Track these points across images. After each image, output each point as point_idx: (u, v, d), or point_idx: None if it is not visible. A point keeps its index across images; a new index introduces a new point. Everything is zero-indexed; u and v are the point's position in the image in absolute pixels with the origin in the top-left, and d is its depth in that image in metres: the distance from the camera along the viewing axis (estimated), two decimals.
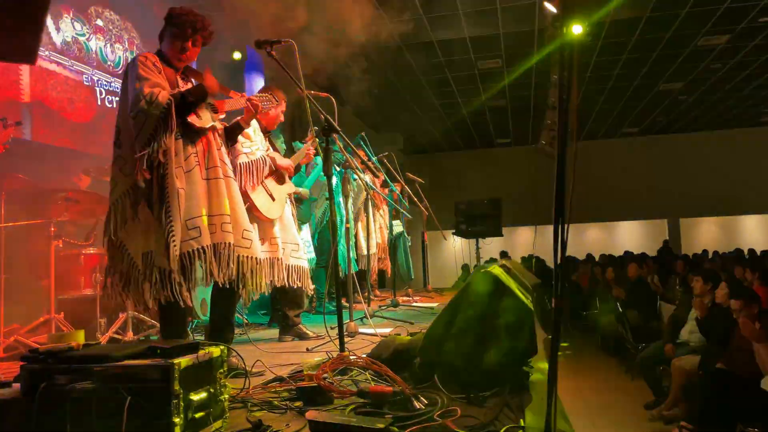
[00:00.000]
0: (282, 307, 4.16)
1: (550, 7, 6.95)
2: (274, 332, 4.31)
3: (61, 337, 3.62)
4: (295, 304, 4.14)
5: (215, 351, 2.04)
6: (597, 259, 15.07)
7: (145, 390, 1.77)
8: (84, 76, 5.70)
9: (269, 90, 3.71)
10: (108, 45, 6.05)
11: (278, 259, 3.62)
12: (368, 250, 6.08)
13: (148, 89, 2.57)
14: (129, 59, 6.14)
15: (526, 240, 17.75)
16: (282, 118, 3.92)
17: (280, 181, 3.82)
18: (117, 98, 5.99)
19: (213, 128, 2.85)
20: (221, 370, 2.05)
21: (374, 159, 5.96)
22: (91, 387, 1.78)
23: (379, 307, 5.54)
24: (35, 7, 2.37)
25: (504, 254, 13.79)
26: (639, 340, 7.52)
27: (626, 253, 14.62)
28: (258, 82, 7.71)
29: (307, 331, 4.08)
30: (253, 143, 3.68)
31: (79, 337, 3.57)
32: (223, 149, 2.91)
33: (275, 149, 3.98)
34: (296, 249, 3.79)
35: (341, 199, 5.16)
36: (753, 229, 17.75)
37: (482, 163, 17.36)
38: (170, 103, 2.57)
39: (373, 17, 7.63)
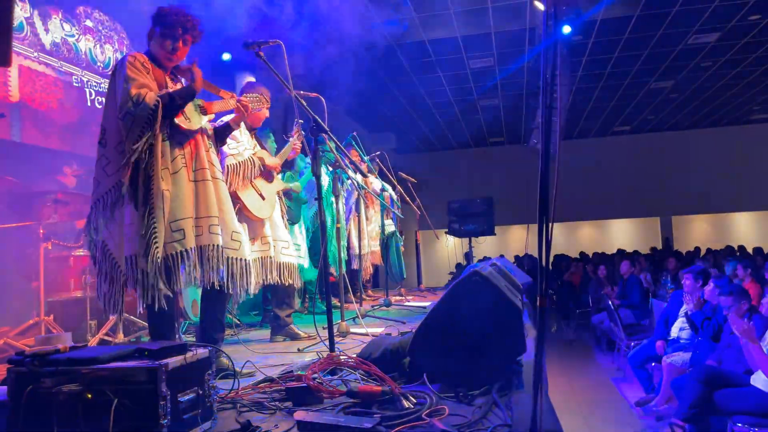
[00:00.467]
0: (273, 308, 4.16)
1: (541, 6, 6.96)
2: (266, 333, 4.30)
3: (48, 340, 3.60)
4: (287, 304, 4.13)
5: (203, 352, 2.04)
6: (590, 257, 15.12)
7: (133, 392, 1.77)
8: (73, 77, 5.67)
9: (256, 89, 3.70)
10: (98, 46, 6.02)
11: (270, 258, 3.64)
12: (360, 250, 6.08)
13: (135, 90, 2.56)
14: (120, 58, 6.11)
15: (519, 239, 17.78)
16: (267, 114, 3.91)
17: (269, 179, 3.82)
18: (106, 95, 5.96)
19: (201, 130, 2.84)
20: (209, 371, 2.04)
21: (366, 159, 5.96)
22: (77, 389, 1.78)
23: (372, 306, 5.53)
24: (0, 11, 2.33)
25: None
26: (631, 337, 7.56)
27: (618, 251, 14.68)
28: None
29: (299, 332, 4.08)
30: (240, 143, 3.67)
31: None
32: (212, 150, 2.90)
33: (263, 147, 3.97)
34: (287, 246, 3.80)
35: (333, 199, 5.16)
36: (744, 227, 17.86)
37: (475, 161, 17.38)
38: (157, 104, 2.56)
39: (365, 17, 7.64)
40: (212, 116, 2.98)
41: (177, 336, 3.24)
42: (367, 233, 6.27)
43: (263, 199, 3.69)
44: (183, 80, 2.96)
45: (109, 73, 5.44)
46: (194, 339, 4.02)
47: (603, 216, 18.00)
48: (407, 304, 5.89)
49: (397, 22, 8.19)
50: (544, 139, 1.47)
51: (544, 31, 1.65)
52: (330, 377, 2.52)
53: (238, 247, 2.82)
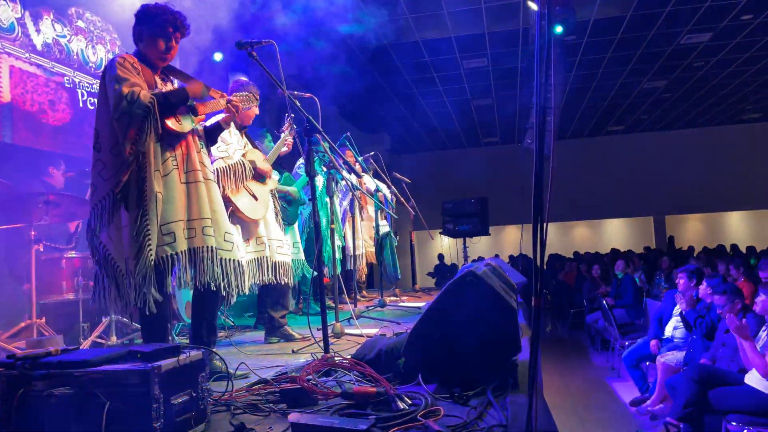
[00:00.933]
0: (267, 309, 4.14)
1: (535, 6, 6.97)
2: (260, 334, 4.29)
3: (39, 342, 3.57)
4: (281, 305, 4.12)
5: (197, 354, 2.02)
6: (583, 256, 15.16)
7: (125, 395, 1.75)
8: (65, 78, 5.63)
9: (245, 87, 3.68)
10: (89, 46, 5.99)
11: (266, 257, 3.63)
12: (355, 251, 6.07)
13: (127, 89, 2.53)
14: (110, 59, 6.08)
15: (513, 239, 17.83)
16: (257, 111, 3.89)
17: (262, 179, 3.79)
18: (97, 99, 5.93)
19: (192, 131, 2.82)
20: (203, 374, 2.03)
21: (360, 159, 5.95)
22: (69, 392, 1.76)
23: (366, 307, 5.52)
24: None
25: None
26: (625, 336, 7.58)
27: (612, 250, 14.73)
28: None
29: (293, 333, 4.06)
30: (229, 145, 3.64)
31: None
32: (203, 151, 2.88)
33: (255, 146, 3.95)
34: (281, 245, 3.80)
35: (327, 200, 5.14)
36: (737, 225, 17.95)
37: (469, 162, 17.40)
38: (153, 102, 2.54)
39: (359, 17, 7.63)
40: (203, 117, 2.96)
41: (170, 338, 3.22)
42: (361, 234, 6.26)
43: (256, 199, 3.67)
44: (173, 79, 2.94)
45: (100, 73, 5.39)
46: (188, 341, 4.00)
47: (597, 215, 18.06)
48: (402, 304, 5.88)
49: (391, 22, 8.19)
50: (539, 139, 1.46)
51: (537, 31, 1.65)
52: (324, 378, 2.51)
53: (231, 248, 2.80)
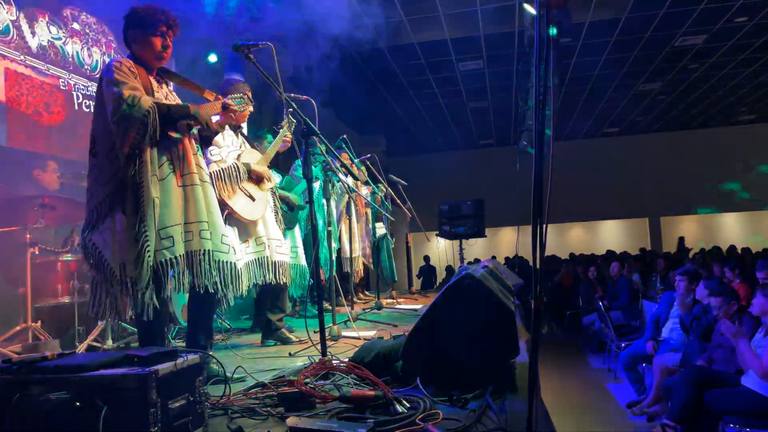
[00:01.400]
0: (265, 312, 4.13)
1: (530, 9, 6.99)
2: (257, 337, 4.27)
3: (35, 347, 3.55)
4: (278, 308, 4.11)
5: (194, 358, 2.01)
6: (579, 257, 15.18)
7: (122, 399, 1.74)
8: (60, 80, 5.61)
9: (237, 87, 3.67)
10: (85, 49, 5.97)
11: (266, 257, 3.62)
12: (351, 253, 6.06)
13: (128, 92, 2.51)
14: (106, 63, 6.06)
15: (509, 240, 17.85)
16: (251, 109, 3.87)
17: (259, 183, 3.77)
18: (94, 103, 5.90)
19: (188, 134, 2.80)
20: (200, 378, 2.02)
21: (356, 161, 5.95)
22: (66, 397, 1.75)
23: (363, 309, 5.52)
24: None
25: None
26: (621, 338, 7.59)
27: (608, 252, 14.75)
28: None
29: (290, 336, 4.05)
30: (222, 148, 3.62)
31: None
32: (199, 154, 2.87)
33: (251, 145, 3.93)
34: (280, 245, 3.79)
35: (324, 202, 5.14)
36: (732, 227, 18.01)
37: (465, 164, 17.42)
38: (153, 108, 2.53)
39: (355, 19, 7.63)
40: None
41: (167, 342, 3.21)
42: (357, 236, 6.26)
43: (253, 200, 3.66)
44: (168, 82, 2.93)
45: (97, 76, 5.37)
46: (184, 344, 3.99)
47: (592, 217, 18.09)
48: (398, 306, 5.87)
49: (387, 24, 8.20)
50: (538, 142, 1.46)
51: (537, 33, 1.65)
52: (322, 382, 2.50)
53: (227, 250, 2.79)
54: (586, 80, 11.69)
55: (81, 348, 3.90)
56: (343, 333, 4.04)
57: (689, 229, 18.10)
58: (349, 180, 5.66)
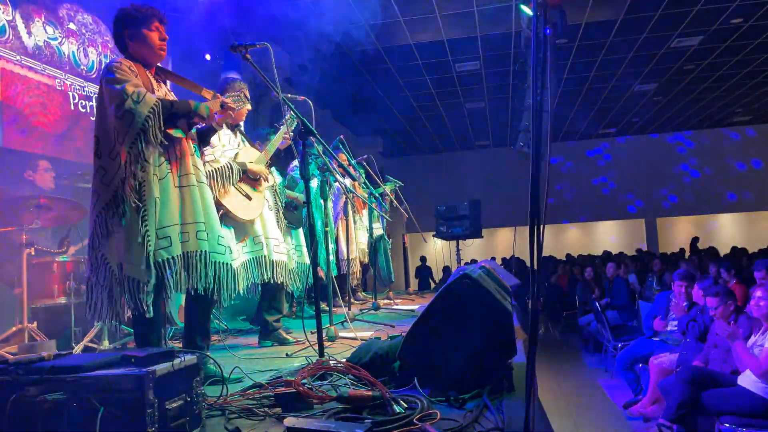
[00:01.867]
0: (262, 313, 4.13)
1: (527, 10, 7.01)
2: (254, 338, 4.27)
3: (32, 347, 3.54)
4: (275, 309, 4.10)
5: (191, 359, 2.01)
6: (576, 258, 15.20)
7: (119, 400, 1.74)
8: (57, 80, 5.60)
9: (234, 86, 3.66)
10: (81, 49, 5.96)
11: (264, 257, 3.61)
12: (348, 254, 6.06)
13: (132, 88, 2.51)
14: (103, 63, 6.05)
15: (506, 241, 17.85)
16: (249, 107, 3.86)
17: (255, 184, 3.76)
18: (91, 103, 5.89)
19: (186, 134, 2.80)
20: (197, 378, 2.02)
21: (353, 162, 5.95)
22: (62, 398, 1.75)
23: (360, 310, 5.52)
24: None
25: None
26: (618, 338, 7.60)
27: (605, 252, 14.78)
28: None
29: (288, 337, 4.05)
30: (215, 148, 3.61)
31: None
32: (197, 154, 2.86)
33: (251, 143, 3.92)
34: (278, 244, 3.78)
35: (322, 202, 5.14)
36: (728, 228, 18.05)
37: (461, 165, 17.44)
38: (158, 105, 2.53)
39: (351, 20, 7.64)
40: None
41: (164, 342, 3.20)
42: (355, 237, 6.26)
43: (249, 199, 3.65)
44: (166, 81, 2.93)
45: (94, 76, 5.37)
46: (181, 345, 3.98)
47: (589, 218, 18.12)
48: (395, 307, 5.87)
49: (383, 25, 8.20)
50: (535, 143, 1.47)
51: (533, 34, 1.65)
52: (319, 382, 2.50)
53: (224, 251, 2.79)
54: (582, 81, 11.72)
55: (77, 349, 3.89)
56: (341, 333, 4.04)
57: (685, 230, 18.13)
58: (347, 180, 5.66)
